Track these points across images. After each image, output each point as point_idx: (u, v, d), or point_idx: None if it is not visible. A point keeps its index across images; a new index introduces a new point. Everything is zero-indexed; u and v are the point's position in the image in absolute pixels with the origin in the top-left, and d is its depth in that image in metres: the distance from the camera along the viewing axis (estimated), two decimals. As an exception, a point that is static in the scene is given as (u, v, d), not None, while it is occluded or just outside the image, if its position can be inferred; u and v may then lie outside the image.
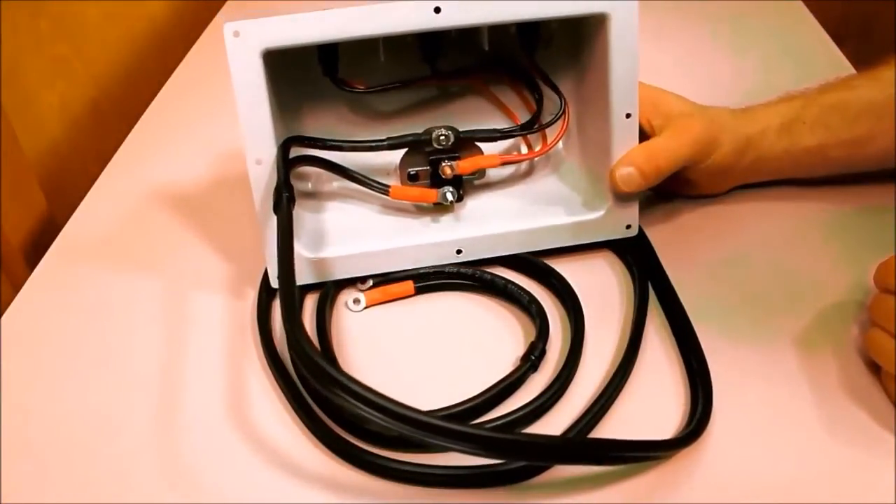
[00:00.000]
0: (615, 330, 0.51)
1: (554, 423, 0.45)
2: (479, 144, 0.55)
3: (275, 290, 0.53)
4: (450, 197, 0.54)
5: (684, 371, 0.48)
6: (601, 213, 0.54)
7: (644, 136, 0.54)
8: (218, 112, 0.69)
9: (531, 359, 0.48)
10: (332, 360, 0.49)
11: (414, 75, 0.55)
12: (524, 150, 0.58)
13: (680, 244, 0.56)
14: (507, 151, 0.58)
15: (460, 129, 0.54)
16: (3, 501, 0.43)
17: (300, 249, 0.51)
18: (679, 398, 0.46)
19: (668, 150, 0.53)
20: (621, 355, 0.48)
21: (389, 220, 0.56)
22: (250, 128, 0.49)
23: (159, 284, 0.56)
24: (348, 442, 0.44)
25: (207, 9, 0.93)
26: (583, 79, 0.54)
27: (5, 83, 0.66)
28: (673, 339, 0.50)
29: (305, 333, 0.41)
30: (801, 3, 0.86)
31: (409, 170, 0.56)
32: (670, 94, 0.56)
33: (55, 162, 0.74)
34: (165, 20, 0.95)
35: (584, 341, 0.49)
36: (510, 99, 0.58)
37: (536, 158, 0.58)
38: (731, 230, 0.57)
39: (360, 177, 0.54)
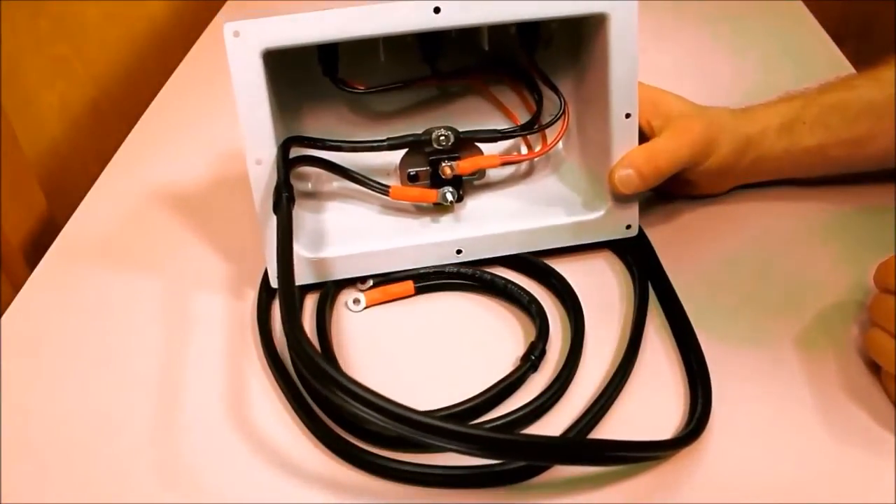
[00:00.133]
0: (615, 330, 0.51)
1: (554, 424, 0.45)
2: (479, 145, 0.55)
3: (275, 290, 0.53)
4: (450, 197, 0.54)
5: (684, 371, 0.48)
6: (601, 213, 0.54)
7: (644, 136, 0.54)
8: (218, 112, 0.69)
9: (531, 359, 0.48)
10: (332, 360, 0.49)
11: (414, 75, 0.55)
12: (524, 150, 0.58)
13: (680, 244, 0.56)
14: (507, 152, 0.58)
15: (460, 130, 0.54)
16: (3, 501, 0.43)
17: (300, 249, 0.51)
18: (679, 398, 0.46)
19: (667, 152, 0.53)
20: (621, 355, 0.48)
21: (389, 220, 0.56)
22: (250, 128, 0.49)
23: (159, 284, 0.56)
24: (348, 442, 0.44)
25: (207, 9, 0.92)
26: (582, 79, 0.54)
27: (5, 83, 0.66)
28: (673, 339, 0.50)
29: (305, 334, 0.41)
30: (801, 3, 0.86)
31: (409, 170, 0.56)
32: (670, 95, 0.56)
33: (55, 162, 0.74)
34: (165, 20, 0.95)
35: (584, 341, 0.49)
36: (510, 99, 0.58)
37: (536, 159, 0.58)
38: (731, 230, 0.57)
39: (360, 177, 0.54)
